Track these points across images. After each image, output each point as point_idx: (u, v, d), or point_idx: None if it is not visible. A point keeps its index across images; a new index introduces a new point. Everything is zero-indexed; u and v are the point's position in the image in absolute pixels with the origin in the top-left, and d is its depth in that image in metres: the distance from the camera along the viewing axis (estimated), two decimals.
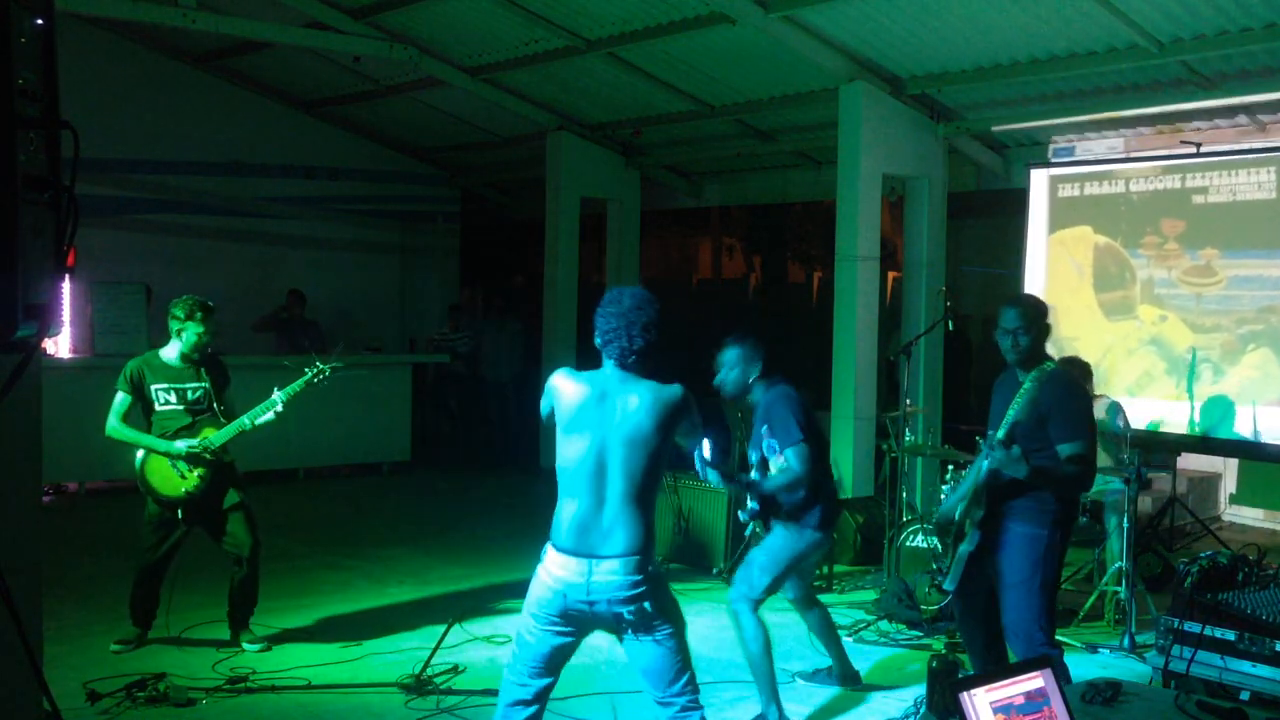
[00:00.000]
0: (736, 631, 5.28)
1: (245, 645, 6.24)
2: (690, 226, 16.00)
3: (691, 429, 4.14)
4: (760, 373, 5.36)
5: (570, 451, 4.00)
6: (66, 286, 2.52)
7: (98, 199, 12.41)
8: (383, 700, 5.51)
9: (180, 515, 6.16)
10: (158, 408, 6.14)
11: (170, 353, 6.20)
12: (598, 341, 4.09)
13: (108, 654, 6.05)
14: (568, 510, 3.99)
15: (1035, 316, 4.72)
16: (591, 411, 4.00)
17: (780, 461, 5.25)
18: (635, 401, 3.98)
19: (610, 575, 3.90)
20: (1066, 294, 9.59)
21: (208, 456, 6.11)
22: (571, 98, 12.18)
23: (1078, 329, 9.46)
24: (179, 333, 6.14)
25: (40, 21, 2.30)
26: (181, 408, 6.16)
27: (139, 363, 6.19)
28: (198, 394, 6.20)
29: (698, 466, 5.16)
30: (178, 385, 6.16)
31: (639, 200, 13.50)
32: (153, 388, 6.13)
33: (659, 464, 4.01)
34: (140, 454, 6.14)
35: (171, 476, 6.10)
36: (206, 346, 6.21)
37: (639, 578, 3.92)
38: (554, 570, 3.96)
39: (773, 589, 5.33)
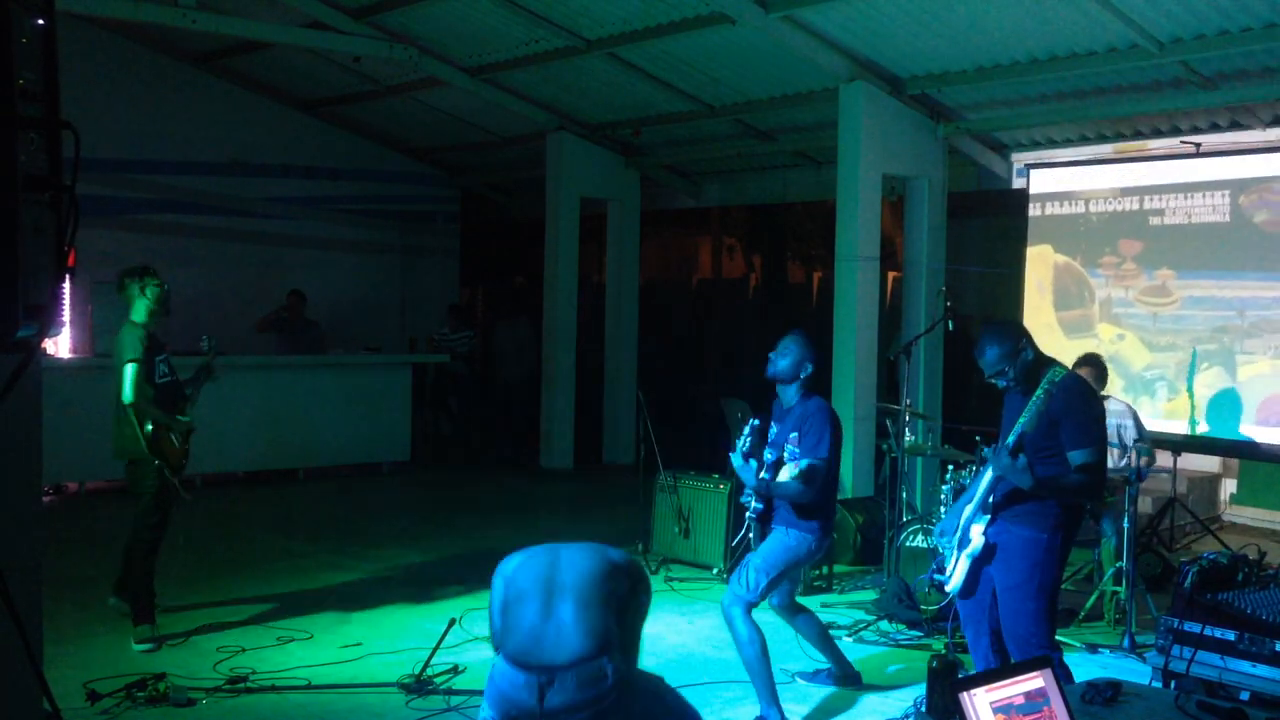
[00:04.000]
0: (732, 635, 5.27)
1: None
2: (690, 226, 15.99)
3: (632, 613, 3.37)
4: (811, 375, 5.40)
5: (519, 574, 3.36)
6: (66, 286, 2.51)
7: (98, 199, 12.41)
8: (383, 700, 5.51)
9: (178, 483, 6.36)
10: (157, 380, 6.32)
11: (150, 321, 6.36)
12: None
13: (108, 654, 6.06)
14: (515, 609, 3.31)
15: (1009, 348, 4.67)
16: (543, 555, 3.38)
17: (795, 469, 5.28)
18: (586, 555, 3.33)
19: (566, 693, 3.17)
20: (1029, 312, 9.79)
21: (193, 424, 6.49)
22: (571, 98, 12.18)
23: (1039, 346, 9.56)
24: (140, 294, 6.34)
25: (41, 22, 2.30)
26: (170, 378, 6.42)
27: (143, 331, 6.29)
28: (170, 361, 6.50)
29: (734, 457, 5.28)
30: (163, 356, 6.42)
31: (639, 200, 13.51)
32: (156, 358, 6.33)
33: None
34: (148, 426, 6.23)
35: (174, 446, 6.32)
36: (165, 307, 6.49)
37: (601, 691, 3.16)
38: (501, 685, 3.32)
39: (769, 591, 5.34)
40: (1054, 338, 9.48)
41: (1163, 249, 9.00)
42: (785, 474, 5.32)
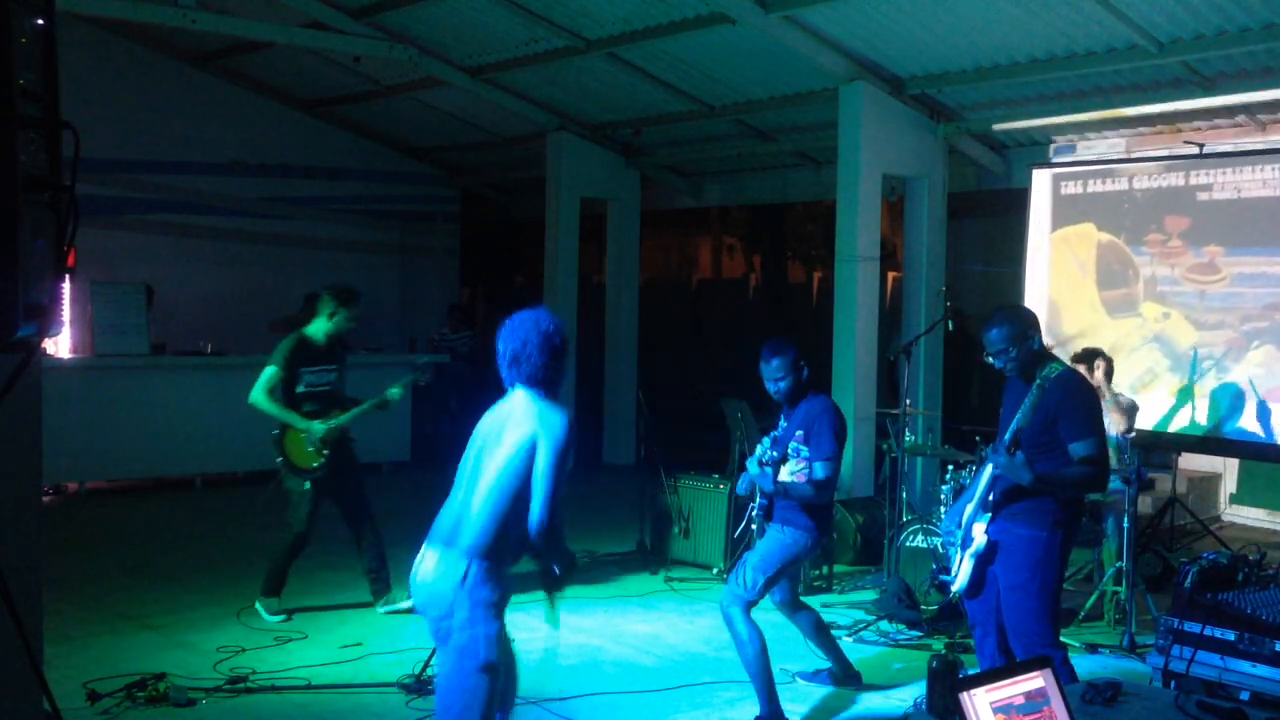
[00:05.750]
0: (731, 635, 5.28)
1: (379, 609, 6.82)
2: (690, 226, 15.98)
3: (554, 457, 3.81)
4: (809, 375, 5.43)
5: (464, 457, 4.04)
6: (66, 286, 2.51)
7: (98, 199, 12.42)
8: (383, 700, 5.51)
9: (307, 486, 6.62)
10: (300, 389, 6.64)
11: (318, 335, 6.71)
12: (501, 364, 3.95)
13: (108, 654, 6.05)
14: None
15: (1016, 330, 4.66)
16: (487, 420, 4.01)
17: (800, 465, 5.30)
18: (522, 415, 3.87)
19: (429, 568, 3.86)
20: (1069, 291, 9.57)
21: (335, 436, 6.68)
22: (571, 98, 12.18)
23: (1080, 326, 9.45)
24: (330, 315, 6.70)
25: (40, 22, 2.30)
26: (319, 390, 6.71)
27: (295, 342, 6.69)
28: (332, 376, 6.77)
29: (750, 464, 5.37)
30: (322, 368, 6.71)
31: (639, 200, 13.51)
32: (301, 370, 6.64)
33: (525, 478, 3.81)
34: (279, 426, 6.62)
35: (305, 451, 6.60)
36: (350, 331, 6.87)
37: (450, 580, 3.76)
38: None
39: (766, 589, 5.34)
40: (1097, 317, 9.34)
41: (1211, 225, 8.73)
42: (786, 470, 5.35)
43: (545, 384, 3.91)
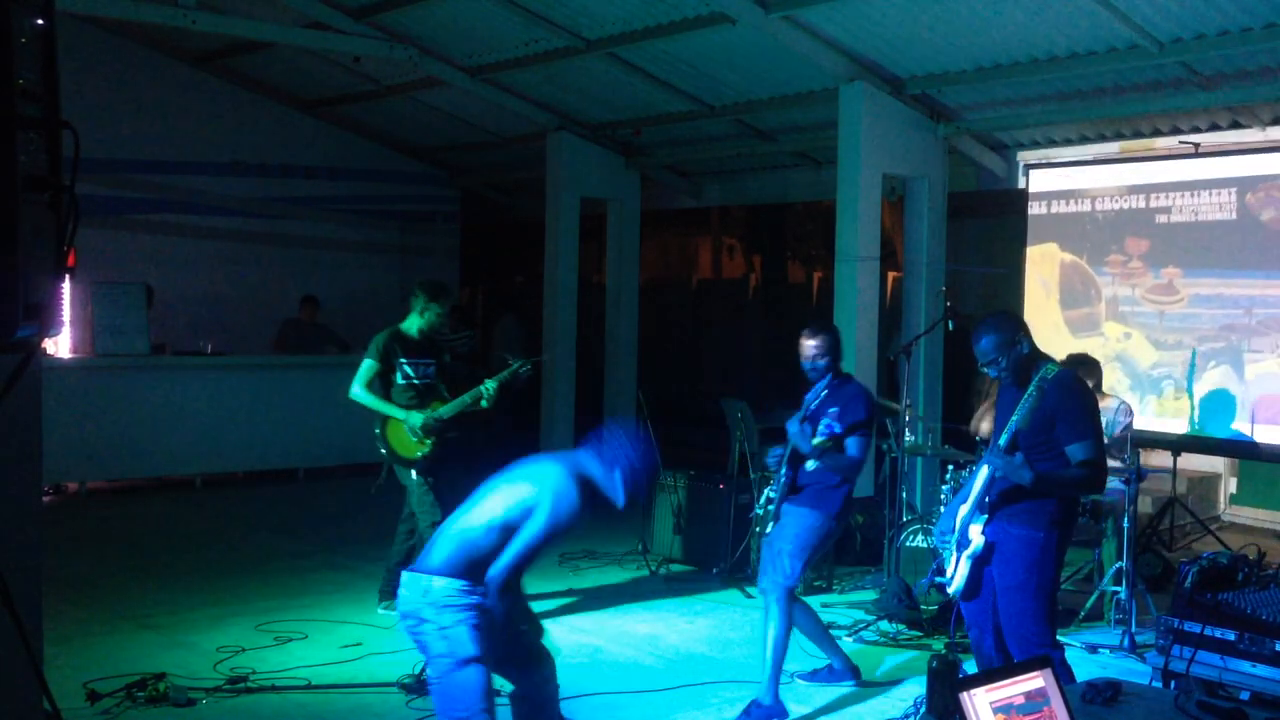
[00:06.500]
0: (765, 618, 5.39)
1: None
2: (690, 226, 15.98)
3: (541, 531, 4.00)
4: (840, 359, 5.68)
5: None
6: (66, 286, 2.51)
7: (98, 199, 12.40)
8: (383, 700, 5.51)
9: (415, 475, 6.67)
10: (399, 381, 6.74)
11: (411, 330, 6.84)
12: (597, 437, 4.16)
13: (108, 654, 6.05)
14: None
15: (1004, 338, 4.70)
16: (525, 464, 4.19)
17: (829, 442, 5.51)
18: (544, 478, 4.06)
19: (402, 586, 4.02)
20: (1034, 310, 9.73)
21: (435, 426, 6.68)
22: (571, 98, 12.18)
23: (1045, 345, 9.39)
24: (421, 312, 6.79)
25: (40, 21, 2.30)
26: (418, 382, 6.75)
27: (389, 335, 6.80)
28: (430, 369, 6.84)
29: (791, 424, 5.54)
30: (418, 360, 6.76)
31: (639, 200, 13.50)
32: (398, 360, 6.71)
33: (509, 532, 4.00)
34: (380, 419, 6.70)
35: (408, 441, 6.69)
36: (442, 326, 6.95)
37: (415, 592, 3.95)
38: None
39: (803, 571, 5.52)
40: (1060, 336, 9.46)
41: (1169, 247, 8.96)
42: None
43: (605, 462, 4.09)
